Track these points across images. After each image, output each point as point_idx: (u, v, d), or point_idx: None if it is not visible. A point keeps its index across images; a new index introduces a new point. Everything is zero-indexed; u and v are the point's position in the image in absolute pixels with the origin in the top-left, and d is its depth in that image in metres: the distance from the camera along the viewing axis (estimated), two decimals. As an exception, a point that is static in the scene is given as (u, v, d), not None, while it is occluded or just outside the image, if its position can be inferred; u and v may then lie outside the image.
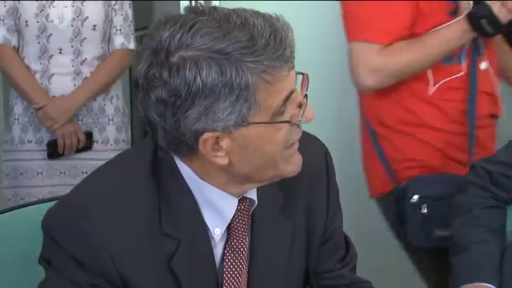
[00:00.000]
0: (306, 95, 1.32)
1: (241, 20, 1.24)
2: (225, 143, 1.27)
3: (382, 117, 2.26)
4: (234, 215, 1.37)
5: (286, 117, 1.29)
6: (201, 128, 1.25)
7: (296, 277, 1.48)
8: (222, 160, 1.29)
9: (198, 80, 1.21)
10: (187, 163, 1.32)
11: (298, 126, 1.32)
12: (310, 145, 1.49)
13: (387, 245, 2.50)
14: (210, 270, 1.38)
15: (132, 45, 2.83)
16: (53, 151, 2.76)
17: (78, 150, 2.78)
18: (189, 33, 1.22)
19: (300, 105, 1.30)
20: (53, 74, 2.75)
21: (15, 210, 1.56)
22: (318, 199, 1.50)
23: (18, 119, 2.80)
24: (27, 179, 2.78)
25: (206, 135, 1.25)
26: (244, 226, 1.38)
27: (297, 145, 1.35)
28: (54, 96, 2.76)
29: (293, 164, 1.35)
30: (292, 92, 1.28)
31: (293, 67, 1.28)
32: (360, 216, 2.94)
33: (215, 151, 1.28)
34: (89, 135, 2.79)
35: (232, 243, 1.38)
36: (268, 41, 1.24)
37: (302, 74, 1.32)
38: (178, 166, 1.33)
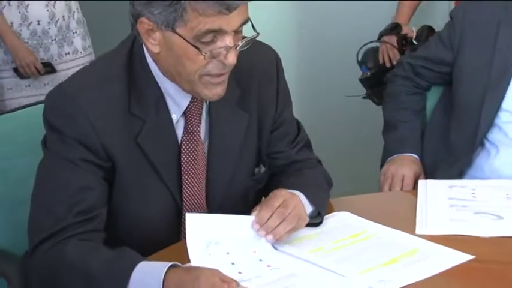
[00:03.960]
0: (238, 46, 1.51)
1: None
2: (157, 34, 1.51)
3: None
4: (188, 105, 1.62)
5: (209, 48, 1.49)
6: (141, 11, 1.50)
7: (250, 156, 1.74)
8: (154, 47, 1.54)
9: None
10: (153, 58, 1.58)
11: (222, 63, 1.51)
12: (262, 49, 1.76)
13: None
14: (174, 148, 1.63)
15: None
16: (21, 74, 3.14)
17: (45, 73, 3.17)
18: None
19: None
20: (28, 5, 3.11)
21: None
22: (268, 94, 1.75)
23: None
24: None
25: (142, 19, 1.50)
26: (197, 115, 1.64)
27: (220, 79, 1.55)
28: (31, 23, 3.12)
29: (210, 92, 1.56)
30: (222, 31, 1.48)
31: (228, 14, 1.45)
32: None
33: (149, 36, 1.52)
34: (48, 65, 3.17)
35: (188, 128, 1.64)
36: None
37: (256, 32, 1.55)
38: (148, 61, 1.60)
